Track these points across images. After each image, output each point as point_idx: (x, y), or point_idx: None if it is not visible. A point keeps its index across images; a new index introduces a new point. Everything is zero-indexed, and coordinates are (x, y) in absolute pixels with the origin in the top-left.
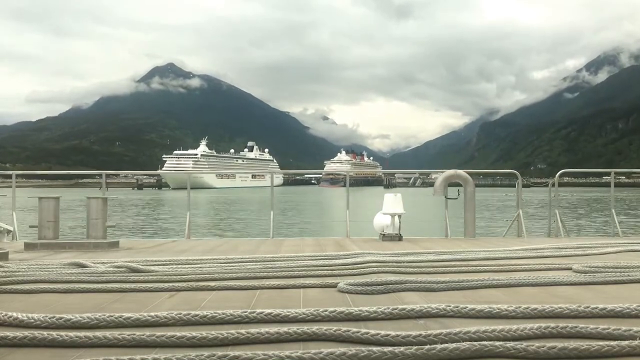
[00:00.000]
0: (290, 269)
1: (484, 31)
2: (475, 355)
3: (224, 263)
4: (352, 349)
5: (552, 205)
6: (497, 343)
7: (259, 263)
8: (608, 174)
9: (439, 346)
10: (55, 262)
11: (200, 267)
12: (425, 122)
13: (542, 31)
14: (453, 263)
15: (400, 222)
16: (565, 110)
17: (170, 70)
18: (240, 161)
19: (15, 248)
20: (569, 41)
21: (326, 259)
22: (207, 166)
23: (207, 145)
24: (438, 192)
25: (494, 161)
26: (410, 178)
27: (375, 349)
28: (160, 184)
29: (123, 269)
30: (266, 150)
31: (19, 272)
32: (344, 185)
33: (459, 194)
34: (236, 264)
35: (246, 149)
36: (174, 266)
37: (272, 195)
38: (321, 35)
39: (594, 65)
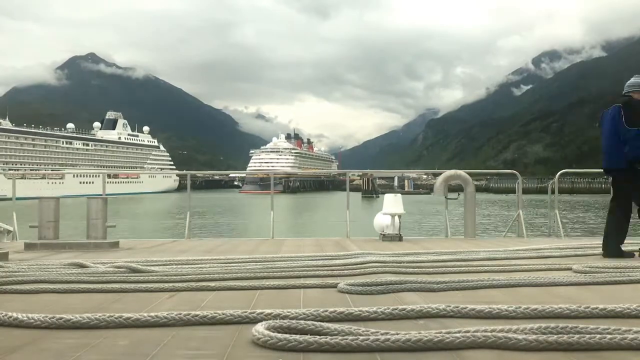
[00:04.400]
0: (290, 269)
1: (407, 33)
2: (472, 345)
3: (224, 263)
4: None
5: (552, 206)
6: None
7: (259, 263)
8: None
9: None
10: (55, 262)
11: (200, 267)
12: (361, 122)
13: (461, 35)
14: (453, 263)
15: (400, 222)
16: (519, 106)
17: (91, 60)
18: (76, 145)
19: (16, 248)
20: (491, 43)
21: (326, 259)
22: None
23: None
24: (438, 192)
25: (449, 159)
26: (393, 178)
27: None
28: None
29: (123, 269)
30: (145, 129)
31: (19, 272)
32: (284, 190)
33: (458, 195)
34: (236, 264)
35: (97, 124)
36: (174, 266)
37: (272, 196)
38: (247, 34)
39: (539, 61)
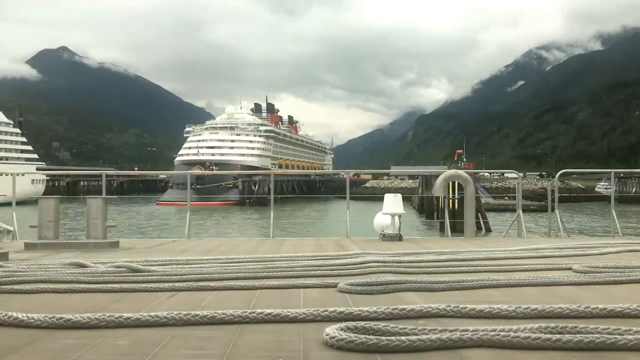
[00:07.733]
0: (290, 269)
1: (382, 32)
2: (472, 345)
3: (224, 263)
4: None
5: (552, 206)
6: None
7: (259, 263)
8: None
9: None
10: (55, 262)
11: (200, 267)
12: (343, 121)
13: (440, 33)
14: (453, 263)
15: (400, 222)
16: (513, 100)
17: (62, 54)
18: None
19: (16, 248)
20: (472, 41)
21: (326, 259)
22: None
23: None
24: (438, 192)
25: (447, 156)
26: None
27: None
28: None
29: (123, 269)
30: None
31: (19, 272)
32: (241, 202)
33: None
34: (236, 264)
35: None
36: (174, 266)
37: (272, 195)
38: (221, 34)
39: (529, 56)
